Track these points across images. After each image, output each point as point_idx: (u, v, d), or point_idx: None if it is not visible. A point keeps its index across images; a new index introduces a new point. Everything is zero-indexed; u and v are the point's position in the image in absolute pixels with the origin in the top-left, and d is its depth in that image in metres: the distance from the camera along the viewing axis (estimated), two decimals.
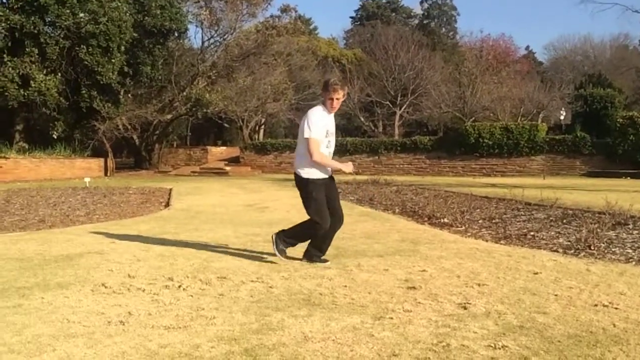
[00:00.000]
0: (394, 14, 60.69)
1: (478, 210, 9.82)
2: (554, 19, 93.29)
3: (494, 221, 8.45)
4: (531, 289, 4.24)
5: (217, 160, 32.92)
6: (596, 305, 3.82)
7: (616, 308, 3.74)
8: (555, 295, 4.08)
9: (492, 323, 3.43)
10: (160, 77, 28.45)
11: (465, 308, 3.76)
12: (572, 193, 13.67)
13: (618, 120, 26.74)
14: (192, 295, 4.13)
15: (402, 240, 6.65)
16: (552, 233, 7.16)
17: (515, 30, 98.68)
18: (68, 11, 21.54)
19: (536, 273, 4.80)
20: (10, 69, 21.08)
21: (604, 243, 6.22)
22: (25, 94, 21.40)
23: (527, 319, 3.50)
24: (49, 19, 22.32)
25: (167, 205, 11.99)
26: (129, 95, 27.10)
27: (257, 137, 38.39)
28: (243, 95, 31.70)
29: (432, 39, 50.88)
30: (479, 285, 4.38)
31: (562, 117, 34.28)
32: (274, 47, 34.71)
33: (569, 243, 6.37)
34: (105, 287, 4.38)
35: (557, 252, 5.93)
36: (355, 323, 3.44)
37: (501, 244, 6.53)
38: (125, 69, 24.32)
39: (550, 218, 8.53)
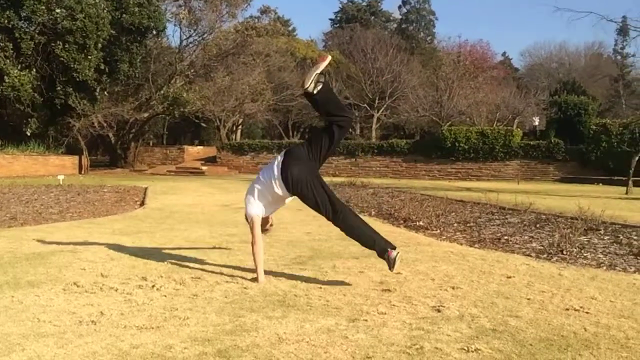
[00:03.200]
0: (373, 17, 60.90)
1: (453, 213, 9.89)
2: (530, 26, 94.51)
3: (468, 225, 8.52)
4: (504, 293, 4.28)
5: (193, 160, 32.75)
6: (568, 309, 3.86)
7: (587, 312, 3.78)
8: (528, 299, 4.12)
9: (465, 326, 3.45)
10: (137, 75, 28.21)
11: (439, 311, 3.78)
12: (545, 198, 13.84)
13: (591, 127, 27.20)
14: (165, 296, 4.09)
15: None
16: (526, 237, 7.24)
17: (493, 37, 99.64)
18: (44, 7, 21.26)
19: (509, 277, 4.84)
20: None
21: (576, 248, 6.30)
22: None
23: (500, 323, 3.53)
24: (24, 14, 22.01)
25: (142, 204, 11.89)
26: (105, 92, 26.80)
27: (234, 137, 38.25)
28: (221, 95, 31.59)
29: (411, 43, 51.20)
30: (453, 288, 4.41)
31: (536, 124, 34.70)
32: (252, 47, 34.65)
33: (542, 247, 6.44)
34: (77, 286, 4.32)
35: (530, 256, 6.00)
36: (330, 325, 3.44)
37: (475, 247, 6.59)
38: (102, 66, 24.07)
39: (524, 222, 8.62)
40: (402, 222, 8.96)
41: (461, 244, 6.80)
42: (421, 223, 8.57)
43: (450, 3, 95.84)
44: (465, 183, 23.49)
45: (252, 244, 4.54)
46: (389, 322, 3.52)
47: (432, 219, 8.78)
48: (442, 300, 4.03)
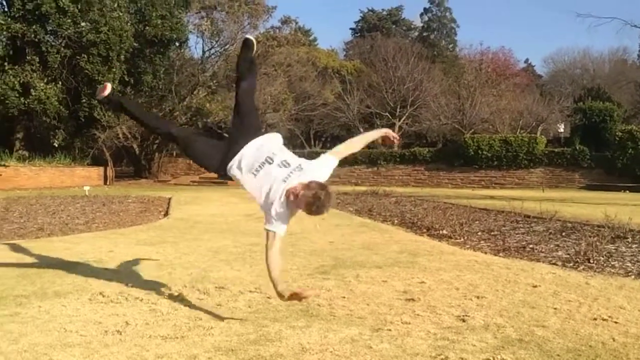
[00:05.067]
0: (394, 26, 60.85)
1: (477, 222, 9.82)
2: (553, 33, 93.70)
3: (492, 233, 8.44)
4: (530, 302, 4.23)
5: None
6: (595, 319, 3.80)
7: (615, 322, 3.72)
8: (555, 308, 4.07)
9: (490, 336, 3.41)
10: (160, 87, 28.51)
11: (463, 320, 3.74)
12: (571, 206, 13.67)
13: (617, 133, 26.84)
14: (189, 305, 4.12)
15: (401, 252, 6.64)
16: (551, 246, 7.15)
17: (515, 43, 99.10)
18: (69, 20, 21.61)
19: (535, 286, 4.78)
20: (11, 77, 21.12)
21: (603, 256, 6.21)
22: (26, 102, 21.44)
23: (526, 333, 3.49)
24: (50, 28, 22.40)
25: (166, 214, 11.98)
26: None
27: None
28: None
29: (432, 51, 51.03)
30: (477, 297, 4.37)
31: (560, 131, 34.35)
32: (274, 57, 34.83)
33: (568, 256, 6.36)
34: (103, 296, 4.36)
35: (556, 265, 5.92)
36: (354, 335, 3.43)
37: (500, 256, 6.52)
38: (126, 78, 24.38)
39: (550, 231, 8.52)
40: (425, 230, 8.91)
41: (485, 253, 6.74)
42: (445, 232, 8.51)
43: (472, 10, 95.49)
44: (488, 191, 23.29)
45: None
46: (413, 331, 3.50)
47: (455, 227, 8.71)
48: (467, 310, 3.99)
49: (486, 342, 3.29)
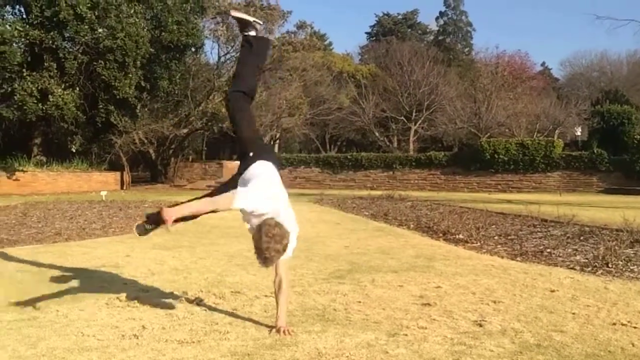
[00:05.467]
0: (409, 30, 60.75)
1: (493, 226, 9.75)
2: (570, 35, 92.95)
3: (509, 238, 8.38)
4: (548, 307, 4.19)
5: (230, 174, 33.03)
6: (614, 324, 3.76)
7: (635, 327, 3.68)
8: (573, 313, 4.03)
9: (508, 341, 3.38)
10: (176, 92, 28.67)
11: (481, 325, 3.72)
12: (589, 210, 13.53)
13: (635, 136, 26.55)
14: (205, 310, 4.13)
15: (417, 256, 6.61)
16: (569, 250, 7.08)
17: (532, 47, 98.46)
18: (87, 27, 21.80)
19: (553, 291, 4.74)
20: (29, 83, 21.35)
21: (621, 261, 6.14)
22: (44, 108, 21.65)
23: (544, 338, 3.46)
24: (68, 35, 22.61)
25: None
26: (146, 109, 27.30)
27: None
28: (258, 110, 31.85)
29: (448, 54, 50.87)
30: (494, 302, 4.33)
31: (578, 134, 34.06)
32: (289, 62, 34.94)
33: (586, 260, 6.29)
34: (120, 300, 4.39)
35: (574, 269, 5.86)
36: (370, 339, 3.42)
37: (517, 260, 6.47)
38: (142, 83, 24.54)
39: (567, 235, 8.43)
40: (441, 235, 8.87)
41: (502, 257, 6.69)
42: (461, 236, 8.47)
43: (488, 14, 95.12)
44: (505, 195, 23.14)
45: None
46: (430, 336, 3.48)
47: (472, 231, 8.66)
48: (484, 315, 3.96)
49: (504, 347, 3.26)
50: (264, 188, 3.63)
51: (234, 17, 4.41)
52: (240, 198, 3.55)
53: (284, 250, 3.49)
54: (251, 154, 3.95)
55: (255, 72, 4.48)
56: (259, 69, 4.51)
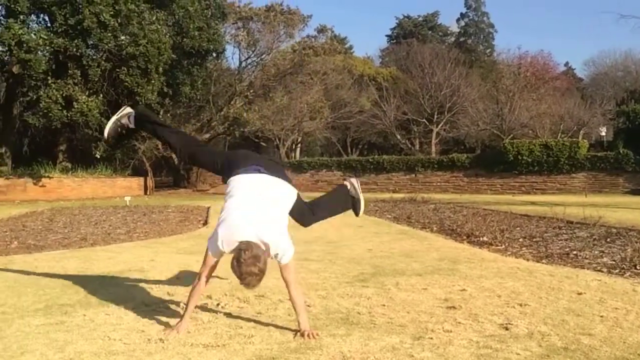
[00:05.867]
0: (430, 32, 60.51)
1: (518, 228, 9.66)
2: (593, 35, 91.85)
3: (534, 240, 8.29)
4: (575, 310, 4.14)
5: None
6: None
7: None
8: (601, 316, 3.97)
9: (535, 344, 3.34)
10: (198, 97, 28.88)
11: (507, 329, 3.68)
12: (615, 211, 13.34)
13: None
14: (230, 314, 4.14)
15: (441, 259, 6.57)
16: (596, 252, 6.99)
17: (554, 47, 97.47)
18: (110, 34, 22.05)
19: (580, 293, 4.67)
20: (54, 90, 21.65)
21: None
22: (69, 114, 21.94)
23: (571, 341, 3.41)
24: (92, 42, 22.88)
25: (206, 223, 12.10)
26: (168, 115, 27.55)
27: (293, 155, 38.58)
28: (280, 114, 31.99)
29: (470, 56, 50.52)
30: (520, 305, 4.29)
31: (602, 134, 33.64)
32: (310, 66, 35.04)
33: (613, 262, 6.21)
34: (145, 304, 4.42)
35: (602, 271, 5.78)
36: (395, 343, 3.40)
37: (543, 263, 6.40)
38: (165, 89, 24.76)
39: (594, 237, 8.32)
40: (465, 237, 8.80)
41: (527, 260, 6.62)
42: (485, 238, 8.40)
43: (510, 15, 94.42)
44: (529, 197, 22.92)
45: None
46: (455, 340, 3.45)
47: (496, 234, 8.60)
48: (510, 318, 3.92)
49: (530, 351, 3.23)
50: (229, 223, 3.62)
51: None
52: (212, 250, 3.69)
53: (262, 270, 3.43)
54: (223, 177, 4.02)
55: None
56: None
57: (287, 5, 34.11)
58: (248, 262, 3.37)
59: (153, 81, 23.27)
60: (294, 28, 33.36)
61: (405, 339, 3.47)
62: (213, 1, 27.34)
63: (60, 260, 6.74)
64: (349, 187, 4.46)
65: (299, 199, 4.04)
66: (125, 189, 25.37)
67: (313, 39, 40.71)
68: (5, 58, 22.58)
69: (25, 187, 21.67)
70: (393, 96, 37.71)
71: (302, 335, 3.53)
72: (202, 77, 27.94)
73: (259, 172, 3.86)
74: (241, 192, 3.75)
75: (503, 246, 7.77)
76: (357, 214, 4.49)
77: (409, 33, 58.23)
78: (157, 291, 4.93)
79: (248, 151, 4.69)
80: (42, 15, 23.96)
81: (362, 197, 4.46)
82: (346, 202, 4.48)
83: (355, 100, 38.50)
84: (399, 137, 38.47)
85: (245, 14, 32.52)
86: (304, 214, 4.22)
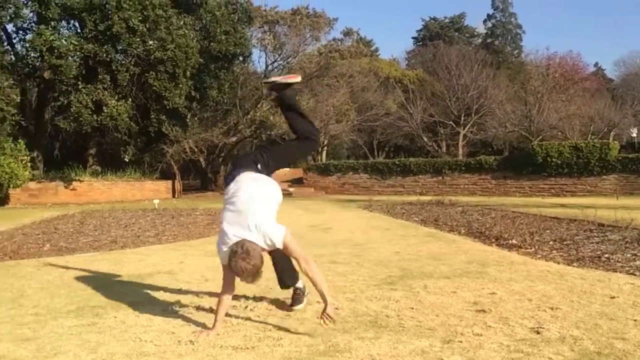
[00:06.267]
0: (457, 33, 60.21)
1: (548, 231, 9.54)
2: (624, 35, 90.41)
3: (565, 243, 8.17)
4: (608, 314, 4.07)
5: (280, 182, 32.80)
6: None
7: None
8: (635, 320, 3.90)
9: (567, 349, 3.30)
10: (225, 101, 29.07)
11: (538, 332, 3.63)
12: None
13: None
14: (259, 316, 4.16)
15: (469, 262, 6.52)
16: (628, 255, 6.86)
17: (584, 47, 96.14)
18: (138, 39, 22.32)
19: (613, 297, 4.60)
20: (84, 95, 21.98)
21: None
22: (98, 119, 22.25)
23: (605, 345, 3.35)
24: (121, 47, 23.18)
25: None
26: (196, 118, 27.78)
27: (320, 158, 38.63)
28: None
29: (497, 57, 50.11)
30: (552, 309, 4.23)
31: (634, 135, 33.08)
32: (336, 69, 35.05)
33: None
34: (175, 306, 4.46)
35: (635, 275, 5.67)
36: (424, 346, 3.38)
37: (574, 266, 6.30)
38: (192, 93, 24.97)
39: (626, 239, 8.17)
40: (493, 240, 8.72)
41: (558, 263, 6.53)
42: (514, 241, 8.31)
43: (538, 15, 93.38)
44: (559, 199, 22.61)
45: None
46: (486, 343, 3.42)
47: (525, 236, 8.50)
48: (541, 322, 3.87)
49: (563, 355, 3.18)
50: (220, 231, 3.81)
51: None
52: (220, 258, 3.81)
53: (255, 266, 3.59)
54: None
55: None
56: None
57: (312, 9, 34.22)
58: (240, 259, 3.53)
59: (181, 85, 23.50)
60: (320, 31, 33.42)
61: (434, 343, 3.45)
62: (240, 5, 27.53)
63: (92, 263, 6.84)
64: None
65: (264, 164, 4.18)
66: (153, 192, 25.64)
67: (339, 42, 40.74)
68: (37, 64, 22.96)
69: (56, 190, 22.03)
70: (419, 98, 37.55)
71: (320, 318, 3.63)
72: (229, 80, 28.12)
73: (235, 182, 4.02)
74: (225, 202, 3.96)
75: (533, 249, 7.68)
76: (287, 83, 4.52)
77: (435, 35, 58.02)
78: (186, 293, 4.98)
79: (236, 160, 4.81)
80: (72, 22, 24.33)
81: (278, 78, 4.61)
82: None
83: (382, 103, 38.42)
84: (425, 139, 38.27)
85: (271, 18, 32.68)
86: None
